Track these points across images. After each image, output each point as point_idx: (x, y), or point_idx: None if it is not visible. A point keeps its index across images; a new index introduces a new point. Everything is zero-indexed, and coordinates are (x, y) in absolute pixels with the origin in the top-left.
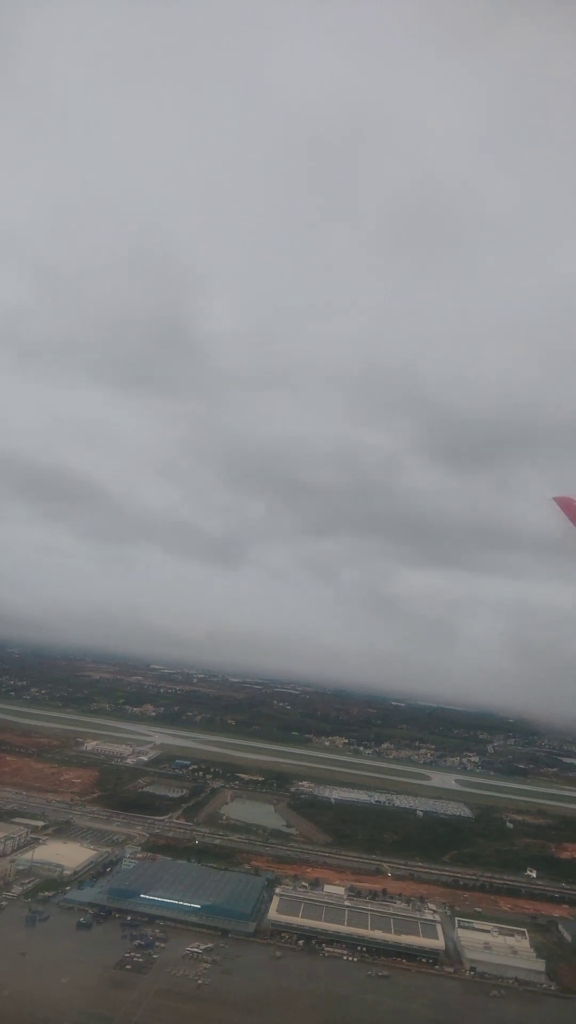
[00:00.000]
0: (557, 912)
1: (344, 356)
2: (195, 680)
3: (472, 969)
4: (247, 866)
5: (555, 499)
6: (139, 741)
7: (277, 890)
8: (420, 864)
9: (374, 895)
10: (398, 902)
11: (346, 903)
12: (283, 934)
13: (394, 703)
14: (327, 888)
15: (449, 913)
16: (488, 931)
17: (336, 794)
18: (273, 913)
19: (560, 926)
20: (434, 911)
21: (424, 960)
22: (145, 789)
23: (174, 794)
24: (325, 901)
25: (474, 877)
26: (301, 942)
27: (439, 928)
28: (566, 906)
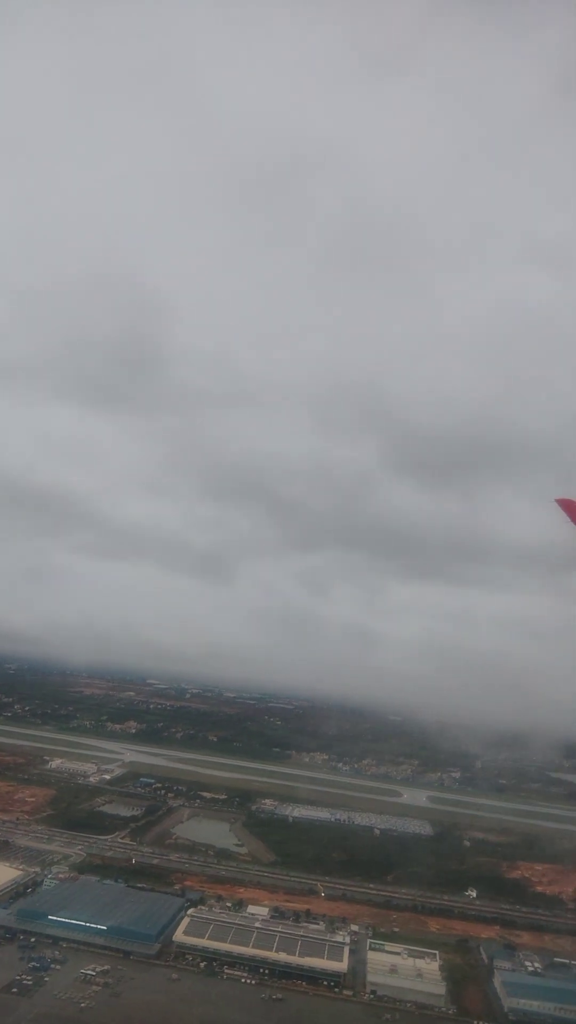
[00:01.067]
0: (486, 933)
1: (308, 375)
2: (188, 696)
3: (373, 992)
4: (178, 886)
5: (557, 500)
6: (108, 759)
7: (190, 911)
8: (358, 884)
9: (296, 916)
10: (319, 923)
11: (256, 925)
12: (187, 956)
13: (391, 717)
14: (250, 909)
15: (370, 934)
16: (398, 953)
17: (297, 812)
18: (179, 935)
19: (481, 948)
20: (354, 932)
21: (325, 983)
22: (101, 808)
23: (128, 813)
24: (235, 923)
25: (410, 897)
26: (203, 964)
27: (346, 951)
28: (497, 927)
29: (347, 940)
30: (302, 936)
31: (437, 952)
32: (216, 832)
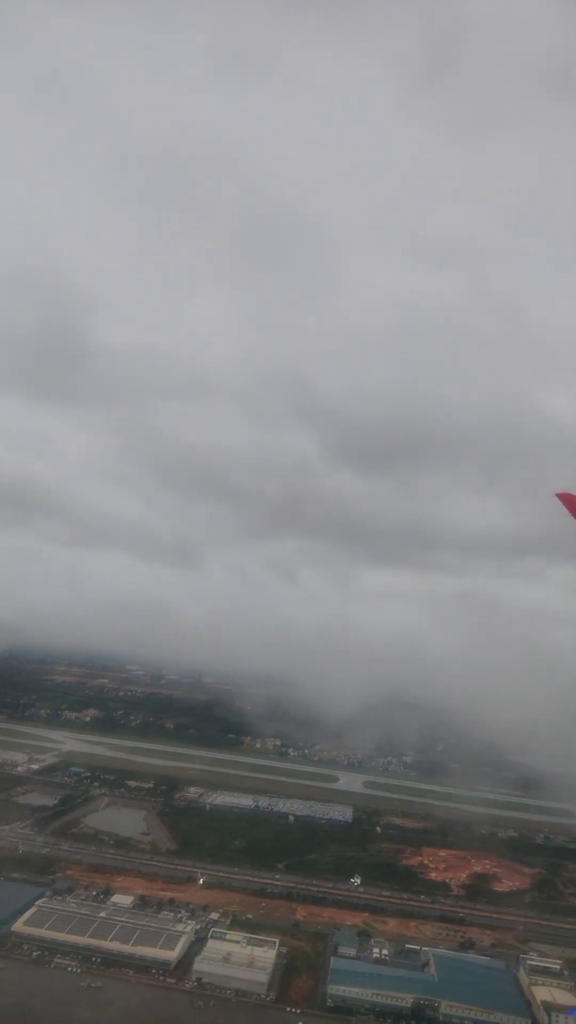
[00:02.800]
0: (352, 920)
1: (241, 367)
2: (163, 682)
3: (198, 980)
4: (59, 875)
5: (557, 495)
6: (45, 748)
7: (39, 902)
8: (246, 871)
9: (160, 905)
10: (179, 912)
11: (101, 915)
12: (24, 946)
13: (366, 700)
14: (115, 898)
15: (228, 922)
16: (238, 942)
17: (219, 799)
18: (19, 925)
19: (335, 936)
20: (212, 920)
21: (154, 971)
22: (17, 798)
23: (41, 803)
24: (81, 912)
25: (290, 885)
26: (36, 954)
27: (182, 939)
28: (366, 913)
29: (187, 929)
30: (143, 925)
31: (277, 940)
32: (129, 821)
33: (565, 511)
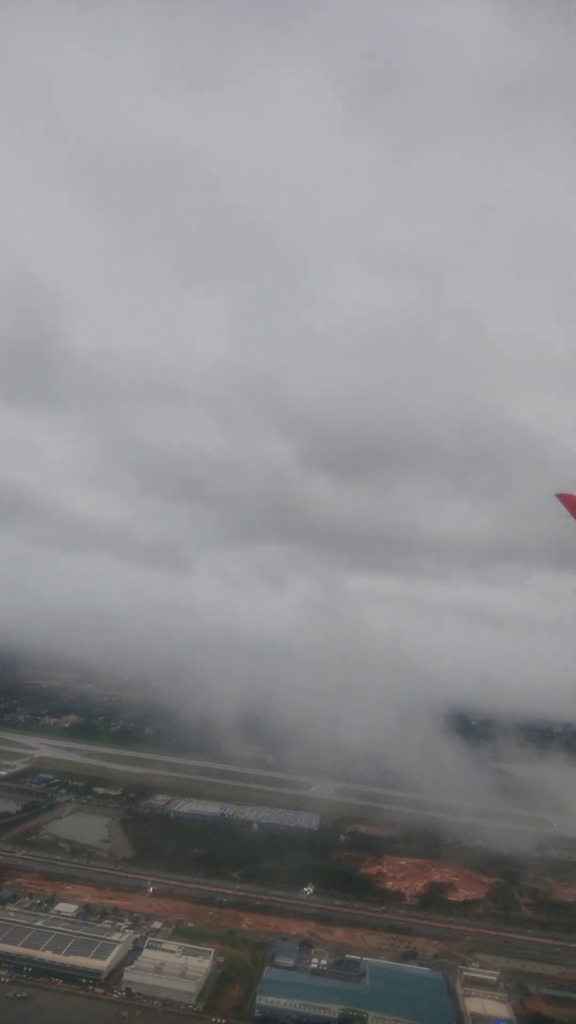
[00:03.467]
0: (299, 929)
1: (212, 372)
2: (149, 687)
3: (127, 990)
4: (7, 883)
5: (557, 496)
6: (16, 754)
7: None
8: (199, 880)
9: (104, 914)
10: (123, 920)
11: (38, 924)
12: None
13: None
14: (59, 907)
15: (170, 931)
16: (173, 951)
17: (185, 807)
18: None
19: (275, 946)
20: (154, 929)
21: (85, 981)
22: None
23: (5, 810)
24: (16, 921)
25: (241, 893)
26: None
27: (116, 949)
28: (312, 923)
29: (122, 939)
30: (79, 935)
31: (212, 950)
32: (91, 828)
33: (565, 511)
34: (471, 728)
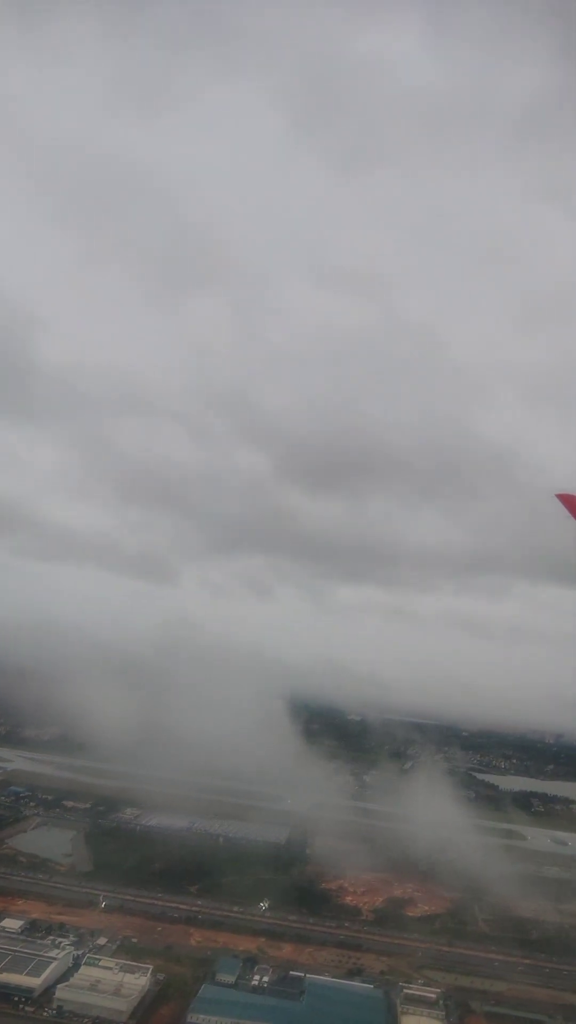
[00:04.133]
0: (248, 945)
1: (181, 385)
2: None
3: (58, 1008)
4: None
5: (557, 496)
6: None
7: None
8: (153, 894)
9: (50, 929)
10: (69, 936)
11: None
12: None
13: (349, 717)
14: (3, 922)
15: (115, 947)
16: (111, 968)
17: (153, 820)
18: None
19: (218, 962)
20: (98, 946)
21: (17, 999)
22: None
23: None
24: None
25: (194, 908)
26: None
27: (51, 966)
28: (263, 939)
29: (60, 955)
30: (16, 951)
31: (151, 967)
32: (56, 842)
33: (565, 512)
34: (459, 740)
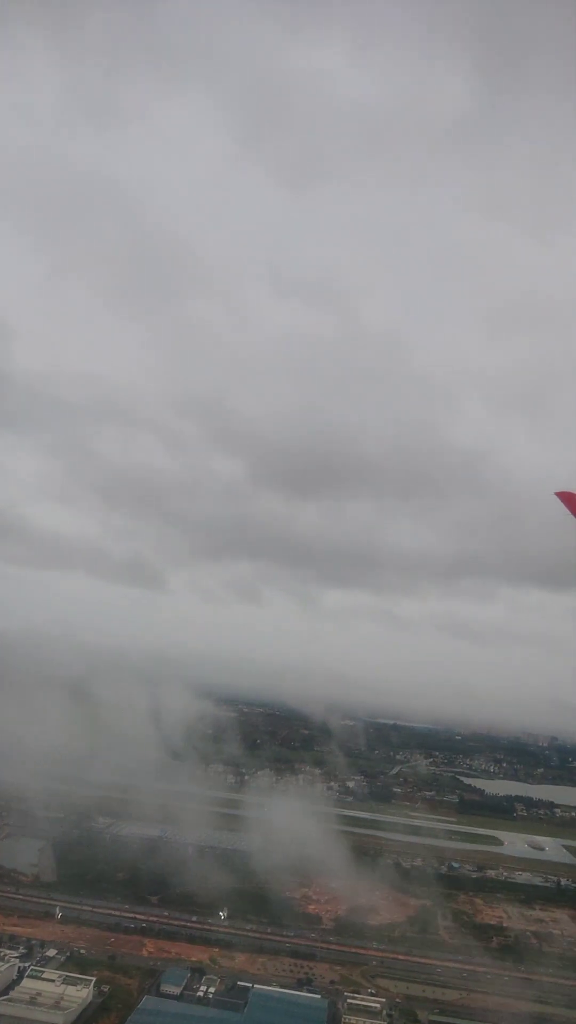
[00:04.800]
0: (201, 955)
1: (154, 392)
2: None
3: None
4: None
5: (557, 494)
6: None
7: None
8: (111, 905)
9: (0, 941)
10: (19, 948)
11: None
12: None
13: (344, 723)
14: None
15: (64, 959)
16: (53, 980)
17: (125, 830)
18: None
19: (162, 973)
20: (46, 958)
21: None
22: None
23: None
24: None
25: (150, 919)
26: None
27: None
28: (216, 948)
29: (3, 968)
30: None
31: (93, 979)
32: (24, 852)
33: (565, 510)
34: (451, 744)
